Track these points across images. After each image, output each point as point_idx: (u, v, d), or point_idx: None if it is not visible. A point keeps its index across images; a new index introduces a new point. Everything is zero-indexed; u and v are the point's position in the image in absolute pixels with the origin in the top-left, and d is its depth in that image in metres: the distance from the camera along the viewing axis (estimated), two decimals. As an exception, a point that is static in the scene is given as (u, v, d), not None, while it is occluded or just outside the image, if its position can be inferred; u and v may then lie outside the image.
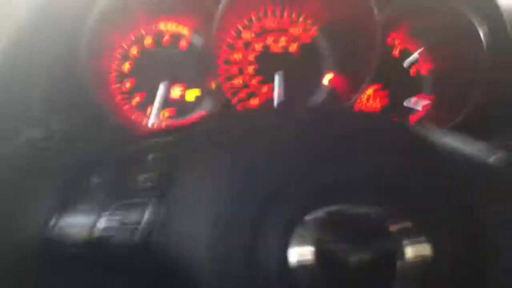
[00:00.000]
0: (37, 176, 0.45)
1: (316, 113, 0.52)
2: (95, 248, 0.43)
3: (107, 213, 0.44)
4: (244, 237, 0.40)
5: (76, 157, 0.48)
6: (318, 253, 0.38)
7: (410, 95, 0.97)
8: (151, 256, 0.43)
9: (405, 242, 0.39)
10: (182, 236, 0.42)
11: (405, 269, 0.38)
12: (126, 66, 0.88)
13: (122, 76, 0.89)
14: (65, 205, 0.44)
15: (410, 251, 0.39)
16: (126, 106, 0.88)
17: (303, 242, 0.39)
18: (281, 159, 0.44)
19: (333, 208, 0.41)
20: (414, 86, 0.97)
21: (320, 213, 0.41)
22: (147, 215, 0.43)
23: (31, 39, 0.44)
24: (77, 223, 0.44)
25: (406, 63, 0.95)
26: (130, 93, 0.88)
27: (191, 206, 0.43)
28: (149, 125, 0.87)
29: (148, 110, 0.88)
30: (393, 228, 0.40)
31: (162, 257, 0.42)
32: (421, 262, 0.39)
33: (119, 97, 0.87)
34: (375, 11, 0.77)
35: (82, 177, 0.45)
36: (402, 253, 0.39)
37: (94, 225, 0.44)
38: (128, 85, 0.88)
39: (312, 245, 0.39)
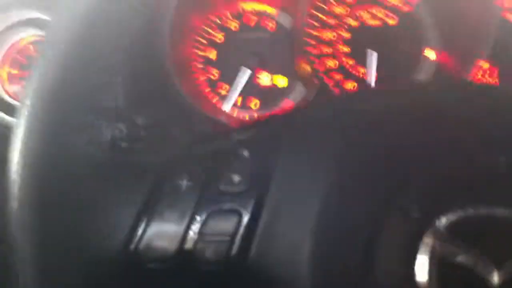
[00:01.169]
0: (121, 180, 0.40)
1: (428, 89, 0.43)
2: (186, 263, 0.38)
3: (198, 222, 0.39)
4: (356, 246, 0.35)
5: (163, 157, 0.42)
6: (453, 269, 0.32)
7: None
8: (248, 274, 0.37)
9: None
10: (284, 250, 0.37)
11: None
12: (212, 54, 0.82)
13: (208, 64, 0.83)
14: (151, 214, 0.39)
15: None
16: (215, 98, 0.82)
17: (433, 253, 0.33)
18: (403, 148, 0.38)
19: (470, 210, 0.34)
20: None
21: (455, 216, 0.34)
22: (243, 225, 0.38)
23: (108, 21, 0.38)
24: (165, 235, 0.39)
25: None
26: (217, 83, 0.82)
27: (294, 211, 0.37)
28: (226, 110, 0.81)
29: (239, 101, 0.82)
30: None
31: (261, 275, 0.37)
32: None
33: (206, 87, 0.81)
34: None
35: (170, 180, 0.39)
36: None
37: (184, 236, 0.39)
38: (215, 73, 0.82)
39: (446, 259, 0.33)
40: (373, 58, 0.81)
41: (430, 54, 0.81)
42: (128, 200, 0.40)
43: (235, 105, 0.83)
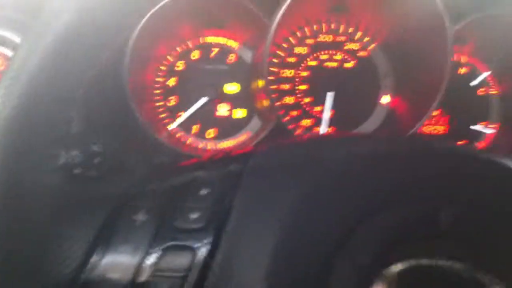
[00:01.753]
0: (73, 210, 0.39)
1: (387, 145, 0.45)
2: None
3: (154, 256, 0.38)
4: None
5: (117, 189, 0.42)
6: None
7: (476, 119, 0.88)
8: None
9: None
10: (239, 287, 0.35)
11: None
12: (172, 81, 0.82)
13: (167, 92, 0.83)
14: (104, 246, 0.38)
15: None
16: (170, 125, 0.82)
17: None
18: (355, 197, 0.38)
19: (413, 261, 0.35)
20: (481, 109, 0.88)
21: (399, 266, 0.35)
22: (198, 261, 0.37)
23: (70, 47, 0.38)
24: (118, 268, 0.38)
25: (474, 82, 0.86)
26: (175, 110, 0.82)
27: (250, 251, 0.37)
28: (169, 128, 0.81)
29: (193, 129, 0.82)
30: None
31: None
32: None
33: (163, 114, 0.81)
34: (448, 25, 0.68)
35: (124, 213, 0.39)
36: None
37: (137, 270, 0.38)
38: (173, 101, 0.82)
39: None
40: (330, 100, 0.82)
41: (384, 99, 0.84)
42: (82, 231, 0.39)
43: (190, 134, 0.83)
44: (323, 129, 0.83)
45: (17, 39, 0.80)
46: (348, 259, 0.35)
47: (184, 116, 0.81)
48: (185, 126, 0.83)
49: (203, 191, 0.40)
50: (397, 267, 0.35)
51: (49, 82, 0.39)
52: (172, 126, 0.81)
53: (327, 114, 0.83)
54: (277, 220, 0.38)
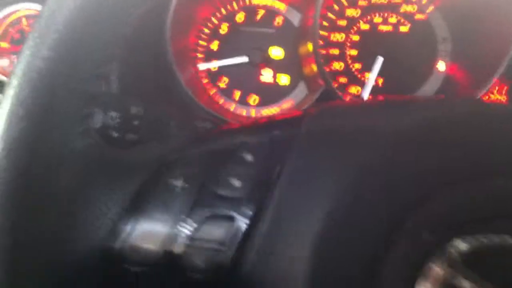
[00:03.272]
0: (108, 175, 0.37)
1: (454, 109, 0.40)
2: (173, 269, 0.35)
3: (189, 226, 0.36)
4: (358, 266, 0.32)
5: (156, 153, 0.39)
6: None
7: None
8: (240, 286, 0.34)
9: None
10: (281, 266, 0.33)
11: None
12: (215, 45, 0.79)
13: (210, 56, 0.80)
14: (139, 213, 0.36)
15: None
16: (213, 90, 0.78)
17: (441, 278, 0.30)
18: (418, 169, 0.34)
19: (483, 238, 0.31)
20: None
21: (467, 243, 0.31)
22: (238, 233, 0.35)
23: (108, 6, 0.34)
24: (153, 236, 0.36)
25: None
26: (217, 75, 0.78)
27: (294, 225, 0.34)
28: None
29: (235, 95, 0.78)
30: None
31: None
32: None
33: (205, 79, 0.78)
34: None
35: (162, 179, 0.37)
36: None
37: (172, 240, 0.35)
38: (216, 65, 0.78)
39: (453, 284, 0.30)
40: (378, 66, 0.77)
41: (441, 66, 0.78)
42: (116, 197, 0.37)
43: (233, 100, 0.80)
44: (365, 95, 0.77)
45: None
46: (410, 234, 0.31)
47: (216, 63, 0.79)
48: (228, 92, 0.80)
49: (248, 157, 0.37)
50: (463, 244, 0.31)
51: (84, 33, 0.36)
52: (203, 67, 0.79)
53: (372, 79, 0.77)
54: (328, 192, 0.34)
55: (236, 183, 0.36)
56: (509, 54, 0.64)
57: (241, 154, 0.37)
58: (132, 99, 0.49)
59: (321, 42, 0.79)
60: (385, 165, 0.34)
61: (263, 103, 0.81)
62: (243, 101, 0.80)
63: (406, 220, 0.32)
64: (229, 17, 0.80)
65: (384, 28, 0.80)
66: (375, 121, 0.35)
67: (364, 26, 0.80)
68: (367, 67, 0.79)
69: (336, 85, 0.80)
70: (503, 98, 0.80)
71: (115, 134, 0.42)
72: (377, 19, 0.80)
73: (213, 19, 0.80)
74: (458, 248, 0.31)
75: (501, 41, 0.66)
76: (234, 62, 0.78)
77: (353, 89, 0.81)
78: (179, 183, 0.36)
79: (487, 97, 0.79)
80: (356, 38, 0.80)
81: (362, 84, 0.80)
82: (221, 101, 0.80)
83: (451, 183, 0.33)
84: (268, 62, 0.79)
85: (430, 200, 0.32)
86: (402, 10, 0.79)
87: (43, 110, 0.32)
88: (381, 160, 0.34)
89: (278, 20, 0.80)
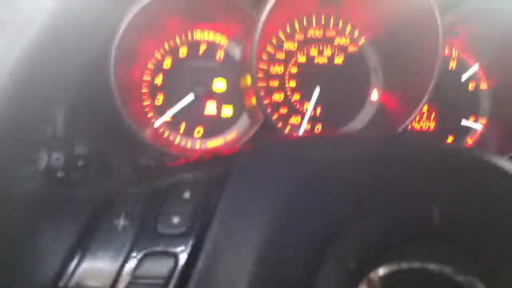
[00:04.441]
0: (53, 215, 0.38)
1: (374, 142, 0.44)
2: None
3: (133, 263, 0.37)
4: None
5: (100, 192, 0.40)
6: None
7: (466, 114, 0.87)
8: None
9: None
10: None
11: None
12: (159, 80, 0.81)
13: (154, 90, 0.82)
14: (84, 252, 0.37)
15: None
16: (158, 124, 0.80)
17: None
18: (343, 198, 0.37)
19: (403, 264, 0.34)
20: (470, 104, 0.88)
21: (387, 268, 0.34)
22: (180, 268, 0.36)
23: (53, 43, 0.36)
24: (97, 274, 0.37)
25: (464, 77, 0.85)
26: (162, 109, 0.80)
27: (234, 257, 0.36)
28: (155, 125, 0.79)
29: (182, 128, 0.80)
30: None
31: None
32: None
33: (150, 113, 0.80)
34: (438, 17, 0.67)
35: (104, 218, 0.38)
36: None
37: (116, 277, 0.37)
38: (160, 100, 0.81)
39: None
40: (317, 94, 0.82)
41: (373, 95, 0.83)
42: (61, 236, 0.38)
43: (180, 133, 0.81)
44: (304, 124, 0.82)
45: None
46: (335, 261, 0.34)
47: (170, 112, 0.80)
48: (173, 125, 0.82)
49: (186, 194, 0.39)
50: (384, 270, 0.34)
51: (30, 82, 0.37)
52: (158, 123, 0.80)
53: (310, 109, 0.82)
54: (262, 223, 0.37)
55: (176, 220, 0.38)
56: (433, 82, 0.69)
57: (179, 191, 0.39)
58: (76, 139, 0.50)
59: (260, 75, 0.82)
60: (308, 194, 0.37)
61: (207, 135, 0.83)
62: (188, 133, 0.82)
63: (329, 250, 0.35)
64: (172, 52, 0.82)
65: (320, 60, 0.84)
66: (299, 155, 0.38)
67: (302, 59, 0.84)
68: (306, 98, 0.83)
69: (276, 115, 0.83)
70: (432, 124, 0.85)
71: (60, 174, 0.43)
72: (313, 52, 0.84)
73: (157, 54, 0.81)
74: (378, 274, 0.34)
75: (426, 70, 0.71)
76: (183, 105, 0.80)
77: (293, 119, 0.84)
78: (120, 221, 0.38)
79: (417, 123, 0.84)
80: (294, 70, 0.84)
81: (301, 114, 0.83)
82: (166, 134, 0.81)
83: (368, 212, 0.36)
84: (212, 95, 0.82)
85: (350, 230, 0.35)
86: (336, 43, 0.84)
87: None
88: (305, 189, 0.37)
89: (220, 54, 0.83)
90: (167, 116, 0.80)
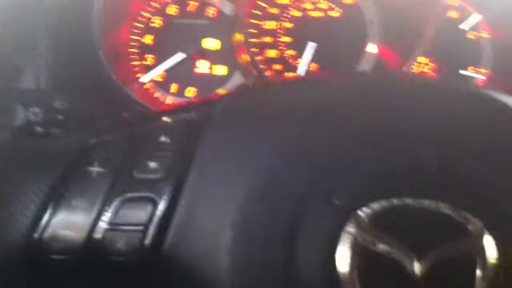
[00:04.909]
0: (26, 166, 0.37)
1: (368, 80, 0.42)
2: (95, 255, 0.35)
3: (109, 210, 0.36)
4: (277, 235, 0.33)
5: (76, 143, 0.39)
6: (375, 260, 0.31)
7: (466, 64, 0.84)
8: (163, 265, 0.35)
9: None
10: (201, 240, 0.34)
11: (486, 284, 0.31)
12: (148, 39, 0.79)
13: (143, 50, 0.80)
14: (58, 202, 0.35)
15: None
16: (149, 84, 0.78)
17: (355, 242, 0.32)
18: (328, 136, 0.36)
19: (395, 200, 0.33)
20: (471, 54, 0.84)
21: (377, 205, 0.33)
22: (158, 214, 0.35)
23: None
24: (73, 224, 0.36)
25: (465, 26, 0.82)
26: (152, 69, 0.78)
27: (214, 200, 0.35)
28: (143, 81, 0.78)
29: (172, 88, 0.78)
30: (473, 226, 0.32)
31: (177, 266, 0.34)
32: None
33: (140, 73, 0.78)
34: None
35: (79, 166, 0.36)
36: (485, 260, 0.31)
37: (93, 226, 0.35)
38: (150, 60, 0.79)
39: (367, 249, 0.32)
40: (309, 49, 0.79)
41: (372, 48, 0.80)
42: (33, 186, 0.36)
43: (172, 93, 0.80)
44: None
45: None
46: (321, 200, 0.32)
47: (157, 69, 0.78)
48: (163, 85, 0.80)
49: (163, 138, 0.37)
50: (373, 207, 0.33)
51: (6, 23, 0.35)
52: (144, 79, 0.78)
53: (303, 64, 0.79)
54: (246, 165, 0.35)
55: (153, 164, 0.36)
56: (429, 31, 0.66)
57: (157, 136, 0.37)
58: (56, 93, 0.48)
59: (254, 31, 0.80)
60: (299, 135, 0.35)
61: (200, 95, 0.81)
62: (180, 94, 0.80)
63: (316, 187, 0.33)
64: (161, 11, 0.80)
65: (315, 14, 0.81)
66: (291, 95, 0.37)
67: (296, 13, 0.81)
68: (301, 54, 0.81)
69: (270, 72, 0.81)
70: (433, 75, 0.83)
71: (38, 129, 0.41)
72: (308, 5, 0.81)
73: (145, 13, 0.79)
74: (368, 212, 0.32)
75: (424, 19, 0.69)
76: (171, 63, 0.78)
77: (288, 76, 0.82)
78: (95, 168, 0.36)
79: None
80: (288, 25, 0.82)
81: (296, 70, 0.81)
82: (157, 94, 0.79)
83: (357, 150, 0.34)
84: (203, 53, 0.80)
85: (338, 167, 0.33)
86: (331, -5, 0.81)
87: None
88: (295, 130, 0.35)
89: (211, 11, 0.81)
90: (155, 72, 0.78)
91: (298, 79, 0.44)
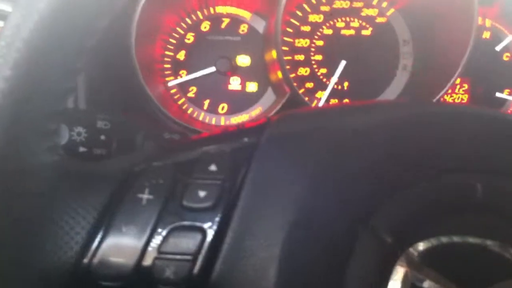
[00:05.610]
0: (74, 189, 0.37)
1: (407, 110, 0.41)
2: (143, 282, 0.35)
3: (159, 239, 0.35)
4: (325, 269, 0.33)
5: (123, 166, 0.39)
6: None
7: (501, 86, 0.83)
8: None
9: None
10: (249, 271, 0.34)
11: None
12: (181, 55, 0.79)
13: (177, 66, 0.80)
14: (108, 227, 0.35)
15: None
16: (182, 100, 0.79)
17: (406, 279, 0.32)
18: (381, 168, 0.35)
19: (442, 238, 0.33)
20: (506, 76, 0.83)
21: (429, 244, 0.33)
22: (207, 243, 0.35)
23: (71, 19, 0.34)
24: (122, 251, 0.36)
25: (499, 47, 0.81)
26: (186, 85, 0.79)
27: (263, 231, 0.34)
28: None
29: (205, 104, 0.79)
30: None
31: None
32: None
33: (174, 89, 0.78)
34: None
35: (128, 192, 0.36)
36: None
37: (142, 253, 0.35)
38: (183, 75, 0.79)
39: (417, 284, 0.31)
40: (341, 68, 0.79)
41: (404, 67, 0.80)
42: (83, 212, 0.36)
43: (202, 109, 0.80)
44: (325, 96, 0.80)
45: (8, 8, 0.76)
46: (372, 237, 0.32)
47: (187, 77, 0.79)
48: (196, 101, 0.81)
49: (213, 167, 0.37)
50: (423, 245, 0.32)
51: (46, 49, 0.36)
52: (172, 83, 0.79)
53: (333, 82, 0.80)
54: (293, 196, 0.35)
55: (201, 193, 0.36)
56: (466, 53, 0.66)
57: (205, 163, 0.38)
58: (98, 113, 0.49)
59: (286, 49, 0.80)
60: (343, 165, 0.35)
61: (232, 111, 0.81)
62: (212, 110, 0.81)
63: (366, 225, 0.33)
64: (195, 27, 0.81)
65: (347, 32, 0.81)
66: (331, 121, 0.36)
67: (328, 31, 0.81)
68: (333, 72, 0.81)
69: (302, 90, 0.81)
70: (465, 97, 0.82)
71: (82, 149, 0.42)
72: (340, 24, 0.81)
73: (179, 29, 0.80)
74: (418, 249, 0.32)
75: (460, 41, 0.68)
76: (202, 74, 0.78)
77: (320, 94, 0.82)
78: (144, 195, 0.37)
79: (449, 96, 0.81)
80: (320, 43, 0.82)
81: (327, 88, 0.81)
82: (190, 110, 0.80)
83: (405, 185, 0.33)
84: (235, 70, 0.80)
85: (388, 203, 0.33)
86: (363, 14, 0.81)
87: (5, 128, 0.32)
88: (338, 160, 0.35)
89: (243, 28, 0.81)
90: (183, 79, 0.79)
91: (343, 105, 0.43)
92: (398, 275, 0.32)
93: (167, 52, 0.80)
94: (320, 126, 0.39)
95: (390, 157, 0.35)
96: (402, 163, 0.35)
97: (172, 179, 0.38)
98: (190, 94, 0.80)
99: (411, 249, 0.32)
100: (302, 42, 0.81)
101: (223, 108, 0.80)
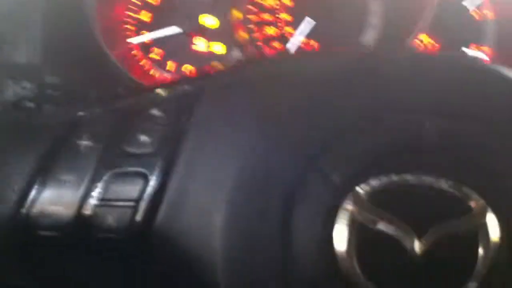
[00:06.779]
0: (14, 140, 0.35)
1: (372, 55, 0.40)
2: (83, 231, 0.34)
3: (99, 186, 0.35)
4: (273, 212, 0.32)
5: (62, 115, 0.37)
6: (373, 238, 0.30)
7: (469, 42, 0.83)
8: (154, 242, 0.34)
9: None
10: (193, 217, 0.33)
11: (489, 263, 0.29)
12: (146, 16, 0.77)
13: (141, 28, 0.78)
14: (46, 176, 0.34)
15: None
16: (144, 61, 0.77)
17: (352, 220, 0.31)
18: (326, 111, 0.35)
19: (394, 177, 0.31)
20: (473, 32, 0.83)
21: (376, 182, 0.31)
22: (149, 189, 0.34)
23: None
24: (61, 199, 0.35)
25: (466, 2, 0.80)
26: (149, 46, 0.78)
27: (208, 176, 0.34)
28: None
29: (168, 65, 0.77)
30: (475, 203, 0.31)
31: (168, 243, 0.33)
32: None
33: (136, 50, 0.76)
34: None
35: (69, 140, 0.35)
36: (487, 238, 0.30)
37: (82, 201, 0.34)
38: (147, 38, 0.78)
39: (366, 226, 0.30)
40: (306, 25, 0.78)
41: (372, 23, 0.79)
42: (20, 160, 0.35)
43: (169, 71, 0.79)
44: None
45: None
46: (318, 176, 0.31)
47: (148, 36, 0.77)
48: (160, 63, 0.79)
49: (155, 112, 0.36)
50: (372, 183, 0.31)
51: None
52: (133, 40, 0.77)
53: (298, 39, 0.78)
54: (240, 140, 0.34)
55: (144, 138, 0.35)
56: (431, 7, 0.65)
57: (149, 109, 0.36)
58: (47, 68, 0.47)
59: (252, 8, 0.78)
60: (296, 110, 0.34)
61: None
62: (177, 72, 0.79)
63: (313, 164, 0.32)
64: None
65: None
66: (282, 70, 0.35)
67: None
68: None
69: (269, 50, 0.79)
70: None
71: (29, 105, 0.40)
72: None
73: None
74: (366, 189, 0.31)
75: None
76: (164, 34, 0.76)
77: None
78: (83, 142, 0.35)
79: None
80: (288, 2, 0.79)
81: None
82: (154, 72, 0.78)
83: (355, 126, 0.32)
84: (201, 30, 0.78)
85: (336, 143, 0.32)
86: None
87: None
88: (292, 105, 0.34)
89: (210, -12, 0.79)
90: (144, 38, 0.77)
91: (297, 54, 0.42)
92: (345, 215, 0.31)
93: (130, 13, 0.77)
94: (269, 72, 0.38)
95: (337, 98, 0.34)
96: (349, 104, 0.34)
97: (113, 125, 0.36)
98: (153, 55, 0.78)
99: (359, 189, 0.31)
100: (270, 1, 0.79)
101: (187, 69, 0.78)
